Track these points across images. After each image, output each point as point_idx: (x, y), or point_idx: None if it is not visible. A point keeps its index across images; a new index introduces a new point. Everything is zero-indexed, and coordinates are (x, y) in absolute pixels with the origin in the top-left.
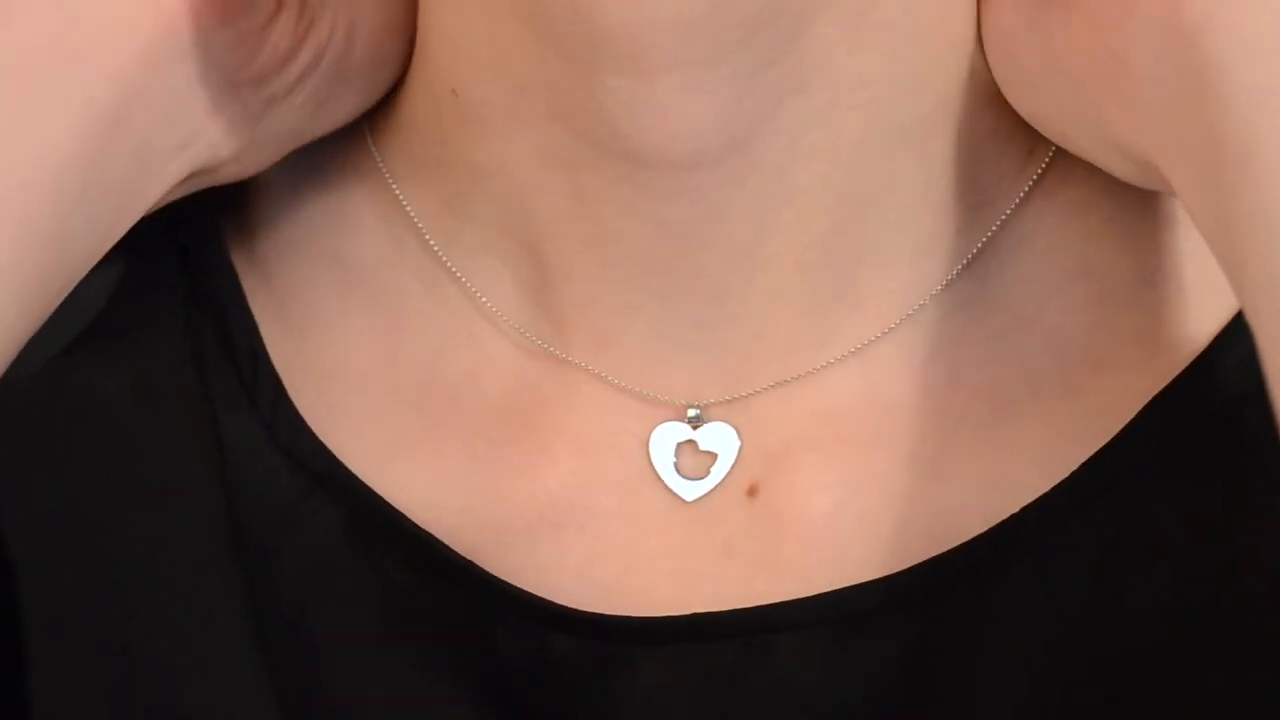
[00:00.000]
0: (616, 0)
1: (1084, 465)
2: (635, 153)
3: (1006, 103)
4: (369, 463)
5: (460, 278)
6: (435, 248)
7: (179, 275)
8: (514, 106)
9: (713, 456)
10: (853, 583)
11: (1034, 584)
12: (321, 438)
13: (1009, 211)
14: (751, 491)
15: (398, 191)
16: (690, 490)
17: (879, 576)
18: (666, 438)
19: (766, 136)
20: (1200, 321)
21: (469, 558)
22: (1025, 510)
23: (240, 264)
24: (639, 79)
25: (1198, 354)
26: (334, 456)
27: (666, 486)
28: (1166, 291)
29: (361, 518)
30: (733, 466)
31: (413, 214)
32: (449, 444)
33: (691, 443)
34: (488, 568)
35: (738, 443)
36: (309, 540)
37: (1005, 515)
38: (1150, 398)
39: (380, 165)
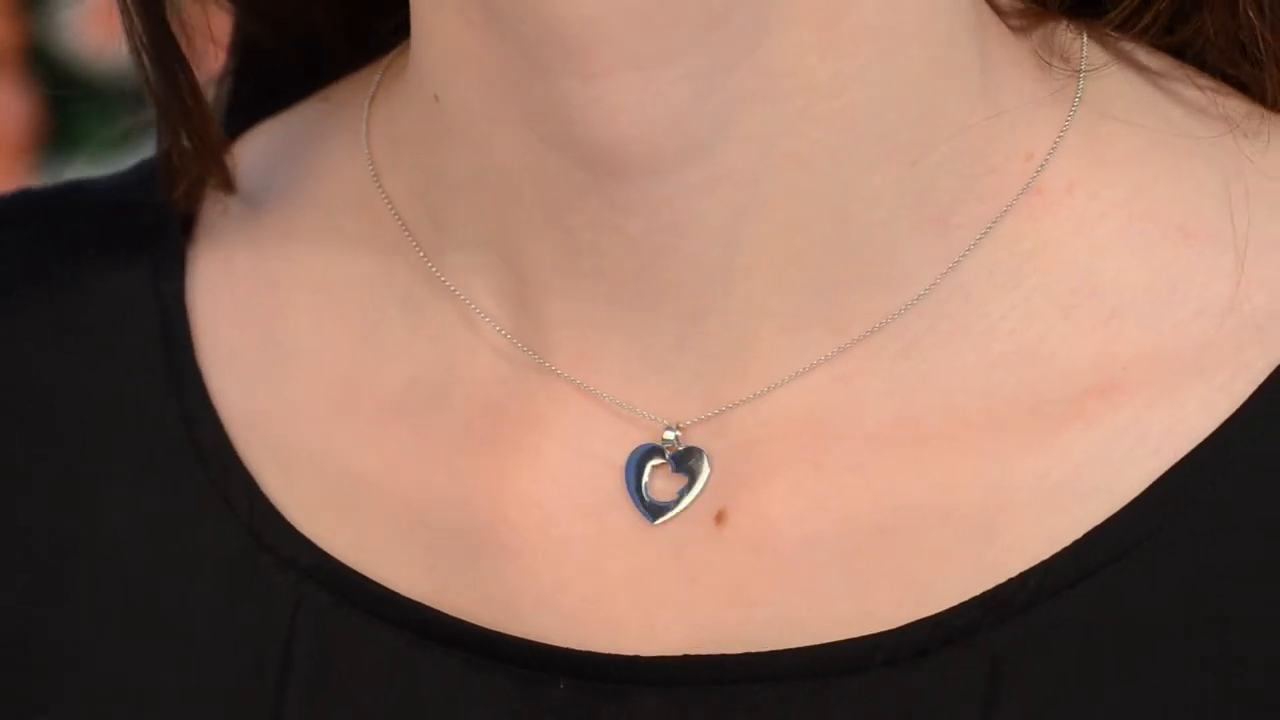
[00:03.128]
0: None
1: (1125, 510)
2: (591, 158)
3: (1003, 98)
4: (329, 510)
5: (453, 290)
6: (431, 267)
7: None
8: (489, 112)
9: (682, 480)
10: (833, 619)
11: (1047, 648)
12: (288, 513)
13: (1006, 221)
14: (719, 518)
15: (392, 210)
16: (657, 514)
17: (866, 624)
18: (641, 459)
19: (732, 144)
20: (1230, 347)
21: (445, 607)
22: (1046, 565)
23: (213, 305)
24: (590, 79)
25: (1260, 384)
26: (310, 543)
27: (633, 509)
28: (1184, 312)
29: (346, 597)
30: (701, 491)
31: (410, 233)
32: (422, 467)
33: (665, 465)
34: (460, 605)
35: (707, 467)
36: (307, 638)
37: (1000, 564)
38: (1198, 429)
39: (376, 181)
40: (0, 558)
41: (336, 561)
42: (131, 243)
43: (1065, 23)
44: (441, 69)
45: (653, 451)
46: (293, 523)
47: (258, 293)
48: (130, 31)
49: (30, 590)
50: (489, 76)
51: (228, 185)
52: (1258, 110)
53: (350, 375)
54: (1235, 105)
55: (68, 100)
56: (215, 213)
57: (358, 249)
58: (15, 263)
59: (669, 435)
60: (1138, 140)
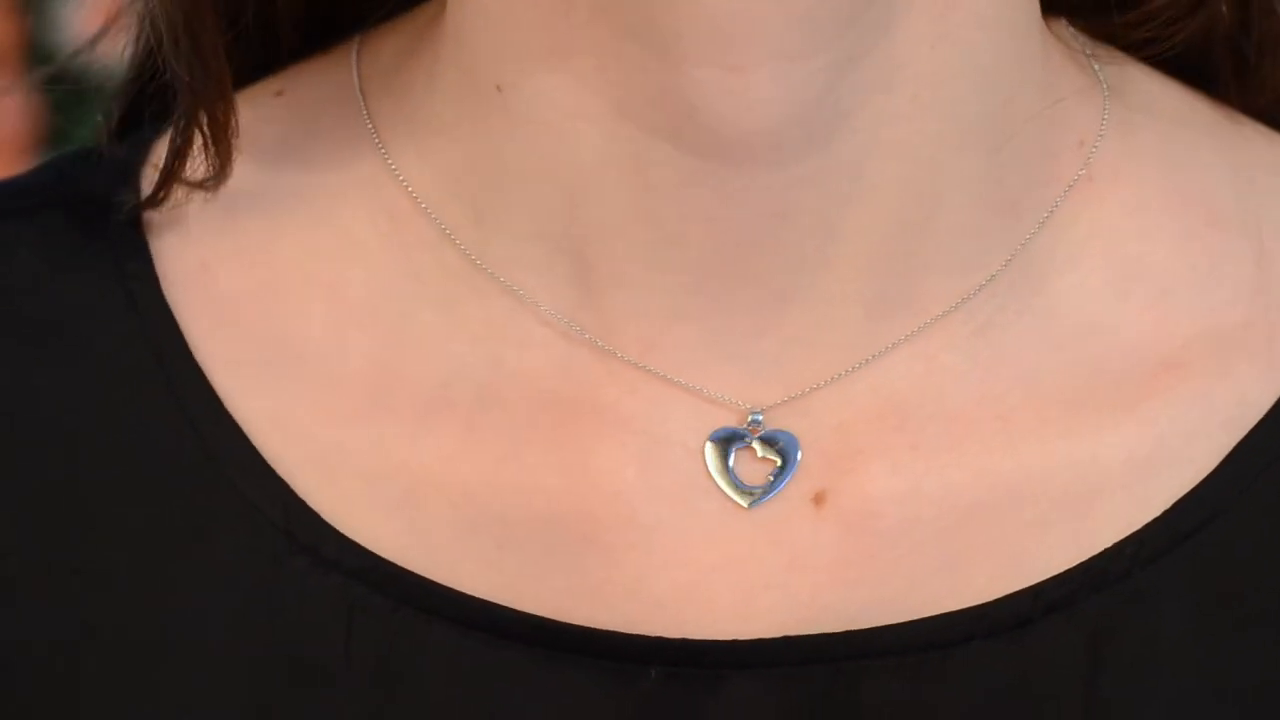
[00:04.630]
0: None
1: (1209, 478)
2: (714, 147)
3: (1059, 86)
4: (375, 510)
5: (501, 280)
6: (475, 259)
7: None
8: (573, 104)
9: (772, 463)
10: (930, 597)
11: (1146, 614)
12: (328, 515)
13: (1064, 205)
14: (818, 500)
15: (421, 205)
16: (751, 498)
17: (963, 600)
18: (724, 443)
19: (848, 134)
20: (1265, 325)
21: (516, 603)
22: (1140, 534)
23: (196, 307)
24: (730, 70)
25: None
26: (358, 545)
27: (723, 494)
28: (1222, 294)
29: (405, 599)
30: (795, 473)
31: (446, 228)
32: (485, 461)
33: (750, 449)
34: (533, 600)
35: (799, 449)
36: (364, 643)
37: (1094, 536)
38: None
39: (397, 177)
40: (14, 593)
41: (389, 563)
42: (77, 243)
43: (1064, 19)
44: (513, 61)
45: (735, 436)
46: (334, 524)
47: (248, 295)
48: (157, 13)
49: (49, 623)
50: (581, 69)
51: (223, 179)
52: (1226, 106)
53: (382, 375)
54: (1210, 100)
55: (68, 100)
56: (171, 212)
57: (372, 246)
58: None
59: (755, 418)
60: (1158, 129)
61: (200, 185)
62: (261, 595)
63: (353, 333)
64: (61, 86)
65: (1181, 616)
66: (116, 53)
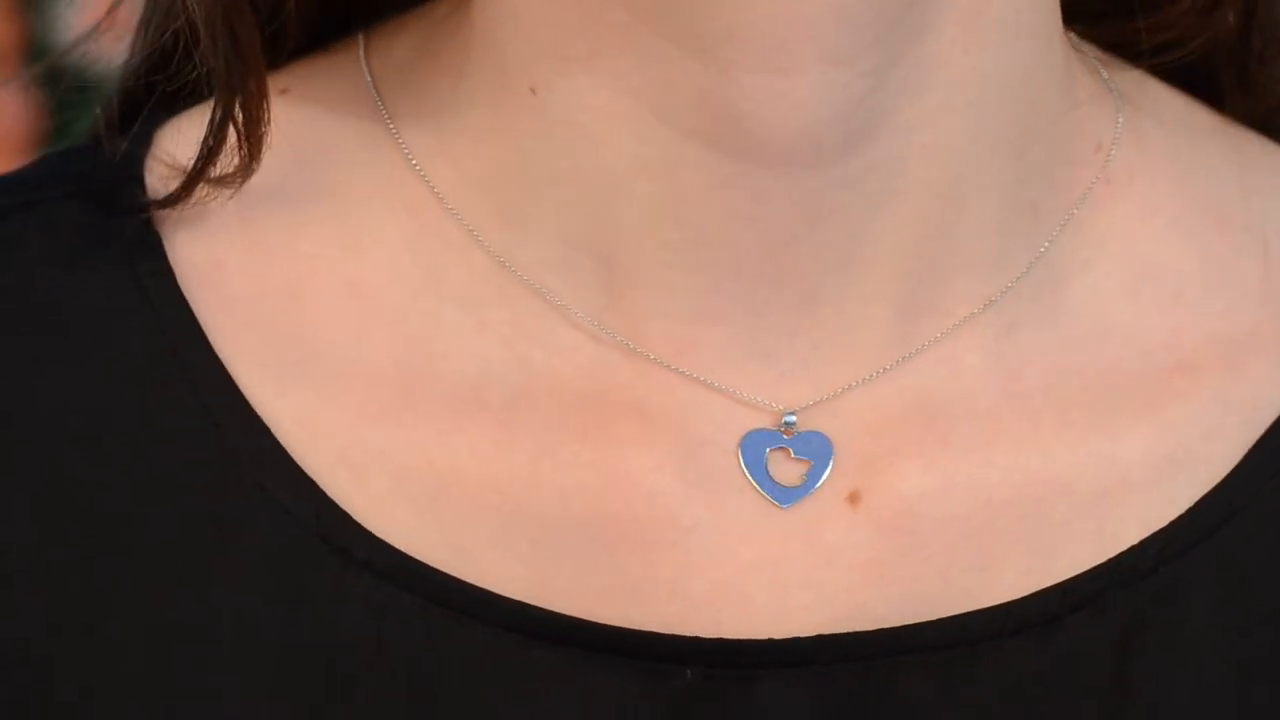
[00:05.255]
0: None
1: (1230, 476)
2: (752, 150)
3: (1077, 92)
4: (405, 509)
5: (528, 281)
6: (501, 259)
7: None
8: (609, 106)
9: (807, 463)
10: (961, 595)
11: (1171, 610)
12: (358, 516)
13: (1083, 209)
14: (853, 499)
15: (451, 207)
16: (786, 497)
17: (993, 598)
18: (757, 443)
19: (882, 137)
20: (1273, 327)
21: (548, 604)
22: (1165, 532)
23: (213, 305)
24: (778, 74)
25: None
26: (389, 545)
27: (759, 493)
28: (1231, 296)
29: (437, 600)
30: (829, 474)
31: (471, 228)
32: (518, 461)
33: (784, 450)
34: (567, 601)
35: (833, 450)
36: (395, 644)
37: (1119, 533)
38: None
39: (422, 177)
40: (25, 594)
41: (420, 563)
42: (86, 239)
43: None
44: (547, 63)
45: (769, 437)
46: (364, 524)
47: (266, 292)
48: (194, 9)
49: (56, 622)
50: (618, 71)
51: (249, 175)
52: (1224, 113)
53: (409, 374)
54: (1209, 108)
55: (68, 100)
56: (184, 209)
57: (394, 244)
58: None
59: (789, 419)
60: (1167, 134)
61: (223, 182)
62: (290, 596)
63: (376, 331)
64: (62, 85)
65: (1207, 612)
66: (115, 51)
